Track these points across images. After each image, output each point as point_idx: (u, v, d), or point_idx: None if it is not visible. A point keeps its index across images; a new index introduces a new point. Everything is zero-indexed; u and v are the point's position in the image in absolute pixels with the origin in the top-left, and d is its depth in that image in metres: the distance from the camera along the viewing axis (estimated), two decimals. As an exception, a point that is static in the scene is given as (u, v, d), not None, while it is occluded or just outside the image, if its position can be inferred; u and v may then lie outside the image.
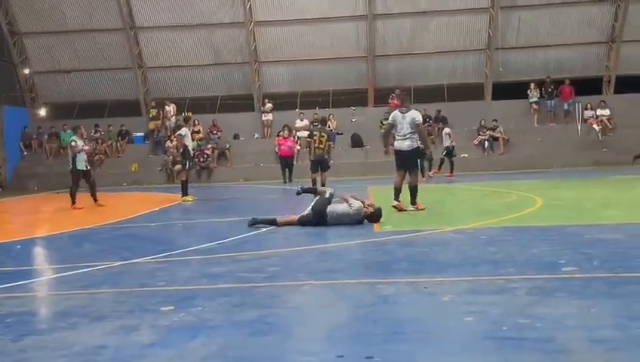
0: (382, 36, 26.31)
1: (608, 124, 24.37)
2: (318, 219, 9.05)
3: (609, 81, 26.31)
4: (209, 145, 24.80)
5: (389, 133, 11.19)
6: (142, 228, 10.55)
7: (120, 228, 10.46)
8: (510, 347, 3.54)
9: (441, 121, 24.43)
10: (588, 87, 25.94)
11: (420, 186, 10.98)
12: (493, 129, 24.54)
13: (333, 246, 7.65)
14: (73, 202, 14.14)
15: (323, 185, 13.74)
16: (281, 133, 23.33)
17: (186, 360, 3.58)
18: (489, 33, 25.92)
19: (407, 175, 10.72)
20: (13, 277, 6.24)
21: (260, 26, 26.40)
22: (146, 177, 24.30)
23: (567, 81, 25.45)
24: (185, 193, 15.12)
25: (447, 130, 21.05)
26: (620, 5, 25.18)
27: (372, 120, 25.32)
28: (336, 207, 9.17)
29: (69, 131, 26.31)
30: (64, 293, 5.53)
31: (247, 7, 25.68)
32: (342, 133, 25.38)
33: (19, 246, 8.80)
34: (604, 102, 25.08)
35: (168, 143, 23.81)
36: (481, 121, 24.66)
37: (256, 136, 26.61)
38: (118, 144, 26.06)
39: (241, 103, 27.42)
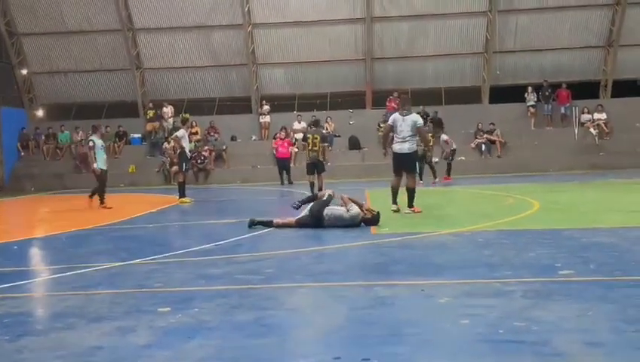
0: (380, 39, 26.35)
1: (605, 128, 24.41)
2: (316, 221, 9.10)
3: (606, 85, 26.33)
4: (206, 147, 24.80)
5: (387, 135, 11.22)
6: (139, 230, 10.56)
7: (117, 230, 10.45)
8: (506, 350, 3.55)
9: (436, 124, 24.08)
10: (585, 90, 25.99)
11: (417, 189, 10.98)
12: (491, 132, 24.57)
13: (330, 248, 7.66)
14: (102, 202, 14.14)
15: (320, 189, 13.70)
16: (279, 135, 23.35)
17: (183, 361, 3.58)
18: (486, 37, 25.94)
19: (405, 177, 10.75)
20: (11, 278, 6.24)
21: (258, 28, 26.41)
22: (144, 178, 24.27)
23: (564, 85, 25.48)
24: (182, 194, 15.13)
25: (444, 136, 21.05)
26: (617, 10, 25.24)
27: (370, 122, 25.38)
28: (333, 210, 9.21)
29: (66, 132, 26.42)
30: (61, 294, 5.53)
31: (246, 9, 25.68)
32: (339, 136, 25.43)
33: (16, 247, 8.80)
34: (601, 106, 25.11)
35: (166, 145, 23.79)
36: (478, 125, 24.66)
37: (253, 138, 26.60)
38: (116, 145, 25.99)
39: (239, 105, 27.43)
